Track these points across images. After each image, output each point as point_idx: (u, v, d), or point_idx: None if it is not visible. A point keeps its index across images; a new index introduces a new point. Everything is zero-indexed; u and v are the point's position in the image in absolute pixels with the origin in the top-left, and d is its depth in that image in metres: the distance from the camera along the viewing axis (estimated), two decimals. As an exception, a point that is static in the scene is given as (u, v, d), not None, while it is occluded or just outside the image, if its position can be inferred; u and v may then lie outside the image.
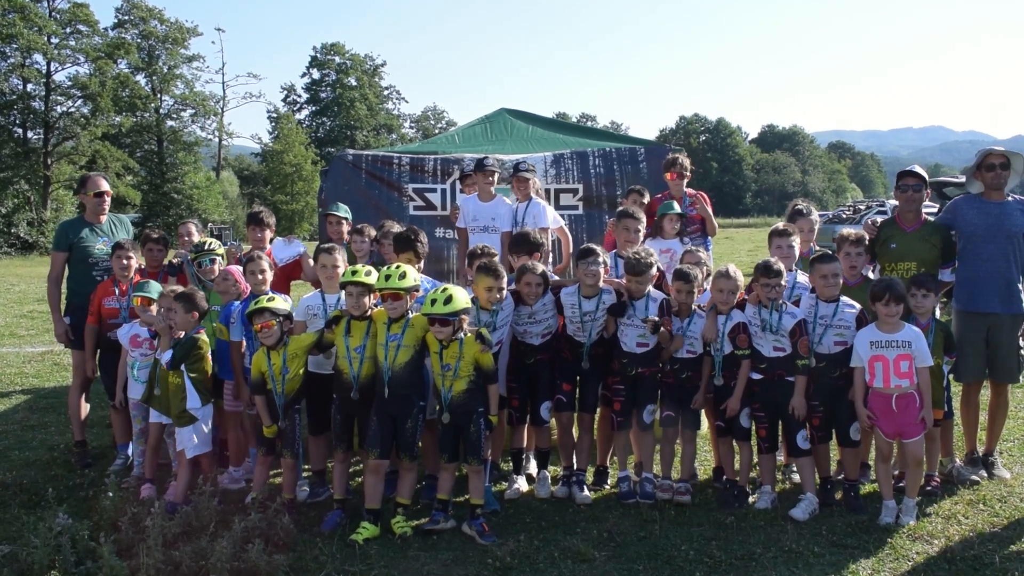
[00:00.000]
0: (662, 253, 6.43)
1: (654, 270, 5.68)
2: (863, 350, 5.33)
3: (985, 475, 5.92)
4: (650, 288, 5.66)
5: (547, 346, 5.79)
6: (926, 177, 6.17)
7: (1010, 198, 6.01)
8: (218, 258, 6.41)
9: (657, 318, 5.54)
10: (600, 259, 5.64)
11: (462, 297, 5.12)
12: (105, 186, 6.83)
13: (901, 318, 5.36)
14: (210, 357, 5.79)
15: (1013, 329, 6.00)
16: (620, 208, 6.51)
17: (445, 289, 5.11)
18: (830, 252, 5.86)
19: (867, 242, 6.04)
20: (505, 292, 5.59)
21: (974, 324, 5.99)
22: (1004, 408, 6.20)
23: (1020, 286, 5.98)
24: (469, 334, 5.15)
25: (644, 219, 6.31)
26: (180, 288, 5.97)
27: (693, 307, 5.69)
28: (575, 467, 5.84)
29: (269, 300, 5.40)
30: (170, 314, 5.69)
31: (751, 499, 5.60)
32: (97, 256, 6.64)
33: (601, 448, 6.15)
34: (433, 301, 5.04)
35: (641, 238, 6.24)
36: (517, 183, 6.92)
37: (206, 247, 6.41)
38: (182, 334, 5.72)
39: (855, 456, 5.65)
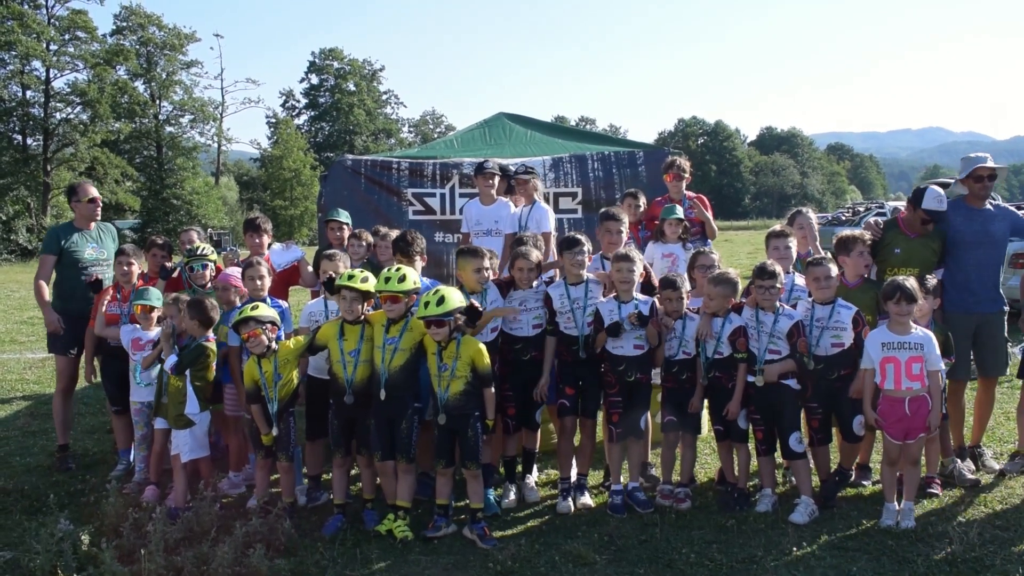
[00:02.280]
0: (664, 257, 6.41)
1: (638, 266, 5.64)
2: (874, 351, 5.30)
3: (973, 467, 6.02)
4: (636, 293, 5.65)
5: (539, 341, 5.76)
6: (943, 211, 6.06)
7: (989, 205, 6.21)
8: (210, 264, 6.42)
9: (646, 314, 5.51)
10: (585, 248, 5.68)
11: (455, 296, 5.15)
12: (96, 192, 7.02)
13: None
14: (214, 365, 5.77)
15: (1001, 325, 6.24)
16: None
17: (437, 291, 5.13)
18: (824, 255, 5.85)
19: (869, 241, 6.05)
20: (488, 274, 5.67)
21: (964, 324, 6.09)
22: (991, 403, 6.42)
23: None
24: (467, 334, 5.17)
25: (626, 220, 6.22)
26: (181, 295, 5.99)
27: (685, 310, 5.70)
28: (577, 471, 5.82)
29: (253, 309, 5.36)
30: (180, 320, 5.69)
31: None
32: (87, 262, 6.73)
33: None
34: (426, 304, 5.06)
35: (624, 239, 6.15)
36: (518, 186, 6.92)
37: (198, 252, 6.42)
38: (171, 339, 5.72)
39: (853, 450, 5.72)
